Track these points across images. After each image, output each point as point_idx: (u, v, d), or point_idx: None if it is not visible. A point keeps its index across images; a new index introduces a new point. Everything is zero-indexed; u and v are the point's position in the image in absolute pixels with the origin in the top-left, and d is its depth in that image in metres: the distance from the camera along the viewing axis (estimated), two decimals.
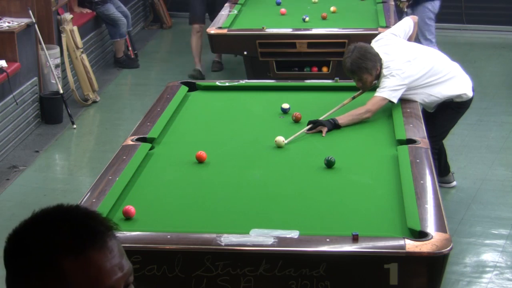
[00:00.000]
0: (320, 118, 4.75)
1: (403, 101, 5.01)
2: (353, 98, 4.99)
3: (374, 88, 4.98)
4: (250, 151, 4.42)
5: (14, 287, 1.54)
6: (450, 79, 5.16)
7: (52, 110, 7.31)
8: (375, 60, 4.92)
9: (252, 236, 3.30)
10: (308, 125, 4.66)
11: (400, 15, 7.73)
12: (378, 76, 4.96)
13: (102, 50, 9.06)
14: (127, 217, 3.54)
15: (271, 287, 3.22)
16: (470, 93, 5.25)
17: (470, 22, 10.09)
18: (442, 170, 5.67)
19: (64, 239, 1.50)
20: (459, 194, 5.79)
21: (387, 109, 4.95)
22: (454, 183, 5.82)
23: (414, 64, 5.01)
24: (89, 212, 1.57)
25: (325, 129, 4.63)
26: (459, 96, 5.21)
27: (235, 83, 5.53)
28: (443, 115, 5.28)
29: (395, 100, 4.90)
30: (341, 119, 4.73)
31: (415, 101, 5.06)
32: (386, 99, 4.87)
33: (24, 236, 1.58)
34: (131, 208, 3.57)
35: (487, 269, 4.80)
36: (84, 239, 1.51)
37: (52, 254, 1.50)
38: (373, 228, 3.42)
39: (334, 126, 4.67)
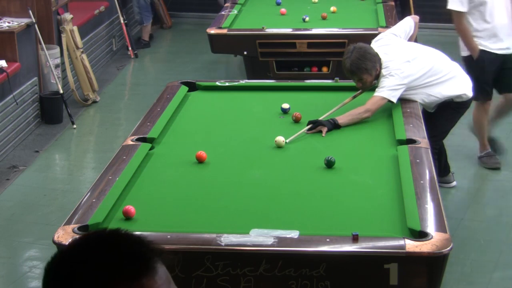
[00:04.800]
0: (320, 118, 4.75)
1: (403, 101, 5.01)
2: (354, 97, 4.99)
3: (373, 88, 4.99)
4: (250, 151, 4.42)
5: None
6: (450, 79, 5.16)
7: (52, 110, 7.31)
8: (374, 61, 4.92)
9: (252, 236, 3.30)
10: (308, 125, 4.67)
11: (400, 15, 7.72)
12: (378, 76, 4.97)
13: (102, 50, 9.07)
14: (127, 217, 3.54)
15: (271, 287, 3.22)
16: (470, 93, 5.25)
17: None
18: (442, 170, 5.67)
19: (119, 266, 1.48)
20: (459, 194, 5.79)
21: (387, 109, 4.95)
22: (454, 183, 5.82)
23: (414, 64, 5.01)
24: (137, 237, 1.55)
25: (325, 129, 4.63)
26: (459, 96, 5.21)
27: (235, 83, 5.53)
28: (443, 115, 5.28)
29: (394, 100, 4.90)
30: (341, 119, 4.72)
31: (415, 101, 5.06)
32: (385, 98, 4.87)
33: (75, 261, 1.51)
34: (131, 208, 3.57)
35: (487, 269, 4.80)
36: (138, 266, 1.49)
37: (108, 281, 1.47)
38: (373, 228, 3.42)
39: (334, 126, 4.67)
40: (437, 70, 5.10)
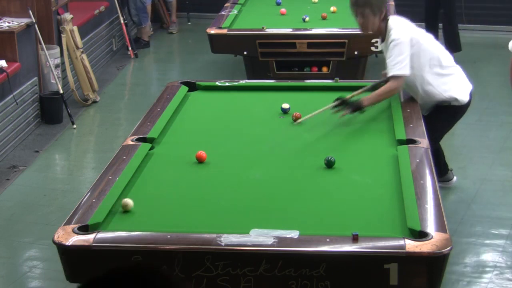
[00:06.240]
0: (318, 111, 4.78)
1: (403, 101, 5.02)
2: (352, 96, 4.98)
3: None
4: (250, 151, 4.42)
5: None
6: (451, 75, 5.17)
7: (52, 110, 7.31)
8: (382, 2, 4.96)
9: (252, 236, 3.30)
10: (335, 101, 4.79)
11: None
12: (380, 27, 4.99)
13: (102, 50, 9.07)
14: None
15: (271, 287, 3.22)
16: (467, 98, 5.23)
17: (470, 22, 10.10)
18: (442, 170, 5.67)
19: None
20: (459, 194, 5.79)
21: (387, 109, 4.95)
22: (455, 178, 5.80)
23: (421, 41, 5.04)
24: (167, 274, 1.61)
25: (347, 111, 4.74)
26: (455, 99, 5.19)
27: (235, 83, 5.53)
28: (438, 119, 5.27)
29: (407, 72, 4.94)
30: (366, 101, 4.83)
31: (415, 102, 5.06)
32: (400, 76, 4.91)
33: None
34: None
35: (487, 269, 4.80)
36: None
37: None
38: (373, 228, 3.42)
39: (357, 108, 4.77)
40: (442, 61, 5.12)
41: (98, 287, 1.55)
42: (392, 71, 4.92)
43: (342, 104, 4.79)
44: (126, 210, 3.60)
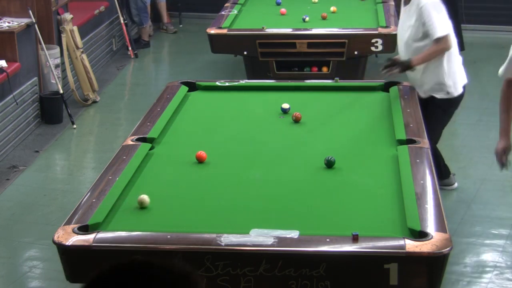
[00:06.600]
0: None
1: (403, 101, 5.02)
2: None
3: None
4: (250, 151, 4.42)
5: None
6: (457, 62, 5.34)
7: (52, 110, 7.31)
8: None
9: (252, 236, 3.30)
10: (386, 62, 5.18)
11: None
12: None
13: (102, 50, 9.07)
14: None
15: (271, 287, 3.22)
16: (460, 90, 5.32)
17: (470, 22, 10.09)
18: (443, 173, 5.67)
19: None
20: (459, 194, 5.79)
21: (387, 109, 4.95)
22: (456, 185, 5.81)
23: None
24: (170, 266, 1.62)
25: (396, 70, 5.10)
26: (452, 86, 5.29)
27: (235, 83, 5.53)
28: (433, 116, 5.32)
29: (449, 30, 5.17)
30: (416, 60, 5.13)
31: (416, 102, 5.07)
32: (445, 36, 5.13)
33: None
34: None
35: (487, 269, 4.80)
36: None
37: None
38: (373, 228, 3.42)
39: (407, 67, 5.12)
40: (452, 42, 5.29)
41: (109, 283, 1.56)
42: (437, 33, 5.12)
43: (392, 64, 5.11)
44: (142, 207, 3.62)
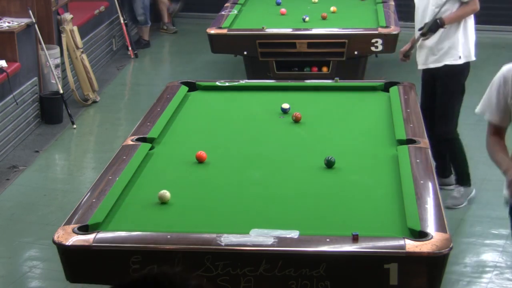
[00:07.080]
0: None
1: (403, 100, 5.02)
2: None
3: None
4: (250, 151, 4.42)
5: None
6: (471, 24, 5.50)
7: (52, 110, 7.31)
8: None
9: (252, 236, 3.30)
10: (419, 30, 5.38)
11: None
12: None
13: (102, 50, 9.07)
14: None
15: (271, 287, 3.22)
16: (472, 56, 5.52)
17: None
18: (447, 171, 5.69)
19: None
20: None
21: (387, 109, 4.95)
22: (453, 186, 5.81)
23: None
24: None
25: (431, 34, 5.32)
26: (463, 50, 5.44)
27: (235, 83, 5.53)
28: (446, 90, 5.48)
29: None
30: (448, 19, 5.32)
31: (416, 102, 5.07)
32: None
33: None
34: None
35: (487, 269, 4.80)
36: None
37: None
38: (373, 228, 3.42)
39: (438, 27, 5.30)
40: (472, 17, 5.48)
41: None
42: None
43: (427, 30, 5.32)
44: (163, 202, 3.66)
